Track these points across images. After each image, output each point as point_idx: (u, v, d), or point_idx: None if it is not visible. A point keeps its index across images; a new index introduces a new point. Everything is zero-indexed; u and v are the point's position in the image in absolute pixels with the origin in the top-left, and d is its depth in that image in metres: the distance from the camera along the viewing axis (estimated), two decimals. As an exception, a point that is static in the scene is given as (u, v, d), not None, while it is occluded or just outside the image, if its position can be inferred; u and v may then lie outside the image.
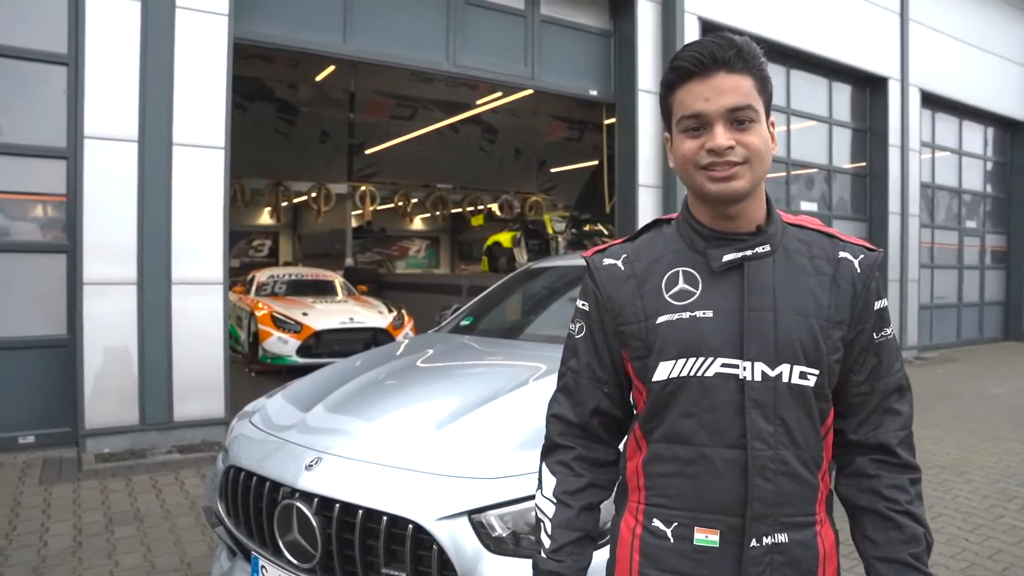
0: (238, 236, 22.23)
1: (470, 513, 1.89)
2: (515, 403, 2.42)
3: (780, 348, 1.12)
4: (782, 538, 1.13)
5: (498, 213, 21.34)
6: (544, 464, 1.33)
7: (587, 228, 13.50)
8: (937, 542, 3.77)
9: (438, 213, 23.03)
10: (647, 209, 8.20)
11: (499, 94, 12.49)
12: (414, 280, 18.32)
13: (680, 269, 1.20)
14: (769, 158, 1.15)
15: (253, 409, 2.83)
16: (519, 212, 20.71)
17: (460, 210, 22.99)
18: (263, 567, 2.18)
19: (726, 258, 1.16)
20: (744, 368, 1.13)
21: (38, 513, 4.04)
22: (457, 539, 1.87)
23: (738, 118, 1.11)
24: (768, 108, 1.16)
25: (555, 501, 1.28)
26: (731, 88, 1.10)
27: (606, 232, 11.93)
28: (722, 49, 1.10)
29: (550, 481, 1.30)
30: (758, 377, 1.12)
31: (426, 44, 7.14)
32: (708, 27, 8.54)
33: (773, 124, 1.19)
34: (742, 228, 1.17)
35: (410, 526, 1.89)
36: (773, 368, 1.12)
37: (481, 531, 1.88)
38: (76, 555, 3.49)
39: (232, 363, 6.31)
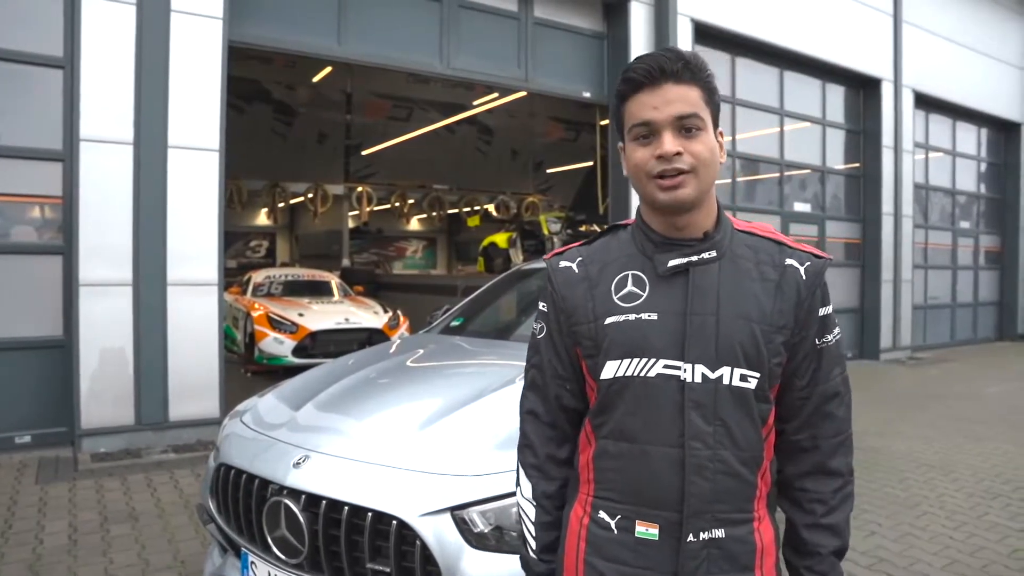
0: (235, 237, 22.30)
1: (452, 509, 1.94)
2: (499, 402, 2.46)
3: (721, 351, 1.17)
4: (719, 533, 1.18)
5: (495, 214, 21.41)
6: (520, 466, 1.40)
7: (583, 228, 13.57)
8: (921, 539, 3.83)
9: (435, 214, 23.10)
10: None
11: (495, 95, 12.54)
12: (410, 281, 18.38)
13: (630, 273, 1.25)
14: (716, 167, 1.21)
15: (244, 408, 2.88)
16: (515, 213, 20.78)
17: (457, 211, 23.06)
18: (252, 563, 2.23)
19: (671, 263, 1.21)
20: (685, 370, 1.17)
21: (34, 512, 4.09)
22: (440, 535, 1.92)
23: (685, 126, 1.16)
24: (716, 118, 1.22)
25: (534, 504, 1.37)
26: (678, 98, 1.16)
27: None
28: (670, 62, 1.16)
29: (527, 485, 1.38)
30: (698, 379, 1.17)
31: (420, 46, 7.19)
32: (701, 29, 8.60)
33: (722, 134, 1.24)
34: (690, 235, 1.23)
35: (394, 522, 1.94)
36: (714, 370, 1.17)
37: (463, 527, 1.93)
38: (71, 553, 3.53)
39: (228, 363, 6.35)
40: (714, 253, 1.21)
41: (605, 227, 1.40)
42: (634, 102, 1.19)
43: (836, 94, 11.23)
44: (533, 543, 1.37)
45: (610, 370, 1.22)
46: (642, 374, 1.19)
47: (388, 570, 1.95)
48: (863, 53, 10.78)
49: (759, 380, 1.19)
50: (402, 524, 1.93)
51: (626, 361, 1.20)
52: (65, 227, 5.39)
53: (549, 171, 20.46)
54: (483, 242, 16.53)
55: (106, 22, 5.28)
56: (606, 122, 8.73)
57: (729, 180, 9.77)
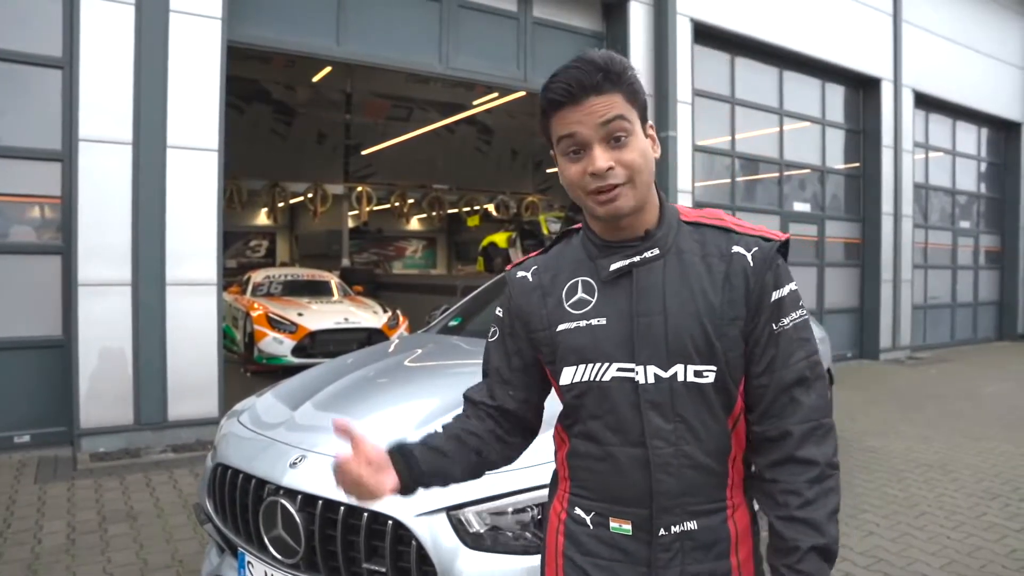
0: (235, 237, 22.32)
1: (448, 509, 1.95)
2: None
3: (671, 350, 1.16)
4: (691, 525, 1.19)
5: (494, 213, 21.42)
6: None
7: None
8: (919, 539, 3.83)
9: (435, 213, 23.10)
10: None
11: (495, 95, 12.56)
12: (410, 280, 18.38)
13: (579, 279, 1.26)
14: (651, 168, 1.19)
15: (242, 408, 2.88)
16: (515, 212, 20.78)
17: (456, 210, 23.06)
18: (249, 563, 2.23)
19: (612, 267, 1.21)
20: (638, 371, 1.18)
21: (33, 511, 4.09)
22: (435, 535, 1.92)
23: (613, 134, 1.14)
24: (643, 115, 1.19)
25: (435, 430, 1.34)
26: (602, 108, 1.14)
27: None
28: (588, 75, 1.13)
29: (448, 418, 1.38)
30: (651, 379, 1.17)
31: (419, 46, 7.19)
32: (700, 29, 8.60)
33: (652, 127, 1.22)
34: (631, 235, 1.22)
35: (390, 522, 1.94)
36: (666, 369, 1.17)
37: (459, 527, 1.93)
38: (69, 553, 3.53)
39: (228, 363, 6.36)
40: (656, 251, 1.20)
41: (559, 234, 1.39)
42: (558, 118, 1.17)
43: (836, 94, 11.23)
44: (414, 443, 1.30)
45: (567, 376, 1.24)
46: (598, 379, 1.20)
47: (384, 570, 1.95)
48: (863, 53, 10.78)
49: (716, 373, 1.18)
50: (398, 524, 1.94)
51: (581, 367, 1.22)
52: (64, 227, 5.40)
53: (549, 171, 20.43)
54: (483, 242, 16.54)
55: (105, 22, 5.29)
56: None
57: (729, 180, 9.78)
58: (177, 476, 4.82)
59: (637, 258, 1.20)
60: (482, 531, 1.94)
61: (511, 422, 1.36)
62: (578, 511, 1.27)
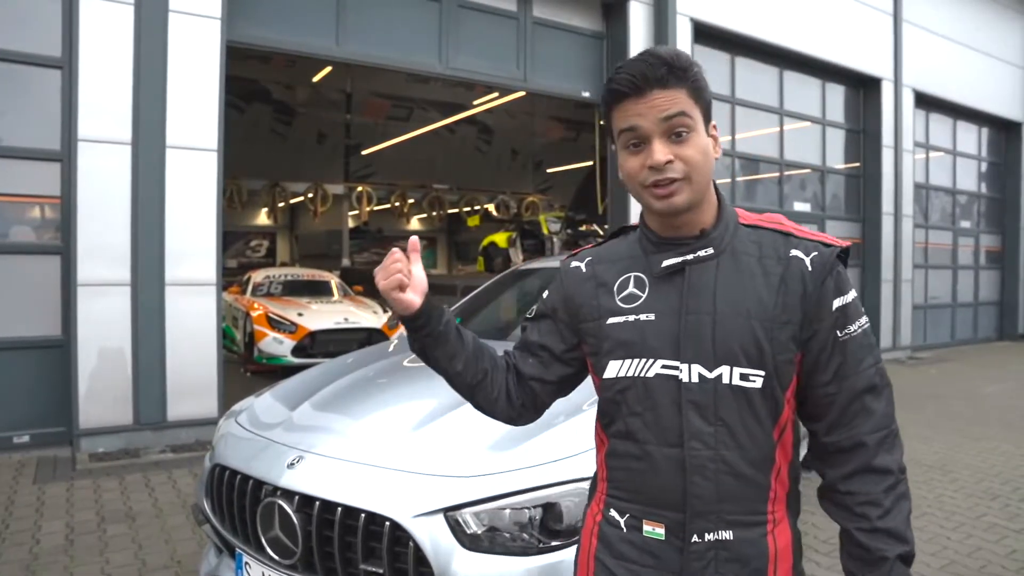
0: (235, 237, 22.29)
1: (446, 511, 1.94)
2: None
3: (718, 350, 1.15)
4: (726, 535, 1.16)
5: (495, 213, 21.40)
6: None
7: (583, 228, 13.56)
8: (919, 540, 3.81)
9: (435, 213, 23.07)
10: (639, 210, 8.22)
11: (495, 95, 12.54)
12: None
13: (632, 274, 1.26)
14: (710, 166, 1.19)
15: (240, 408, 2.88)
16: (515, 212, 20.77)
17: (457, 210, 23.04)
18: (247, 563, 2.23)
19: (665, 263, 1.21)
20: (682, 370, 1.17)
21: (31, 512, 4.09)
22: (433, 536, 1.91)
23: (675, 130, 1.14)
24: (707, 114, 1.19)
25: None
26: (665, 103, 1.14)
27: (601, 232, 11.97)
28: (653, 68, 1.13)
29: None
30: (695, 379, 1.16)
31: (419, 46, 7.18)
32: (700, 29, 8.59)
33: (715, 127, 1.21)
34: (687, 233, 1.22)
35: (387, 523, 1.94)
36: (711, 370, 1.16)
37: (456, 528, 1.93)
38: (68, 553, 3.53)
39: (228, 363, 6.36)
40: (711, 251, 1.20)
41: (617, 228, 1.41)
42: (620, 110, 1.17)
43: (836, 93, 11.22)
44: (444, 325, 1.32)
45: (612, 370, 1.24)
46: (641, 374, 1.20)
47: (381, 571, 1.95)
48: (863, 52, 10.77)
49: (764, 379, 1.16)
50: (395, 525, 1.93)
51: (627, 362, 1.21)
52: (63, 227, 5.40)
53: (549, 171, 20.46)
54: (483, 242, 16.52)
55: (104, 22, 5.28)
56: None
57: (729, 180, 9.77)
58: (176, 476, 4.82)
59: (691, 256, 1.20)
60: (479, 532, 1.93)
61: (521, 386, 1.38)
62: (613, 513, 1.26)
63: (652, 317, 1.20)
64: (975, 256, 13.97)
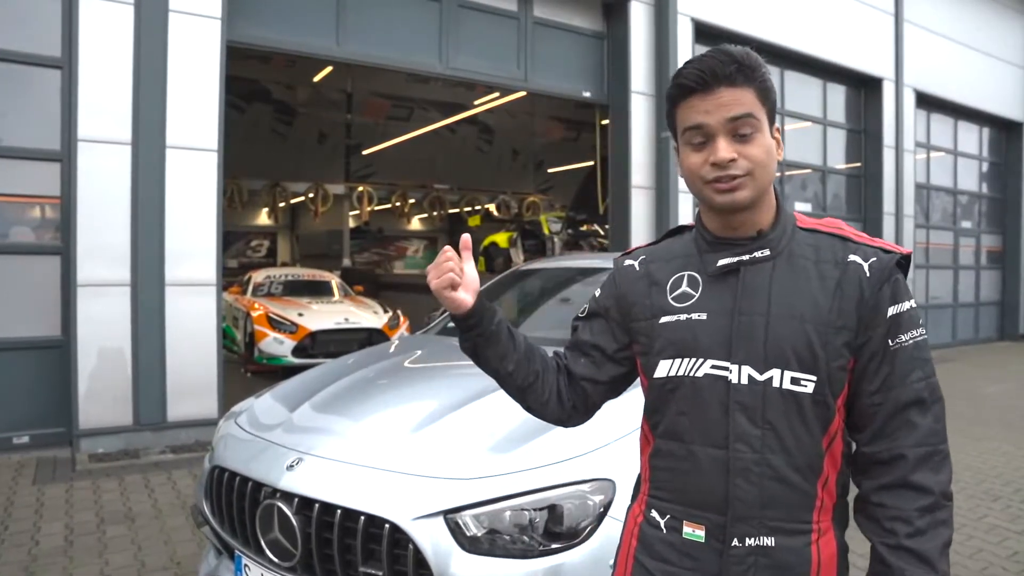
0: (236, 237, 22.30)
1: (445, 513, 1.93)
2: (494, 405, 2.45)
3: (770, 353, 1.14)
4: (768, 541, 1.14)
5: (495, 213, 21.39)
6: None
7: (583, 228, 13.55)
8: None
9: (435, 213, 23.09)
10: (640, 210, 8.24)
11: (496, 95, 12.54)
12: (411, 280, 18.33)
13: (685, 273, 1.25)
14: (773, 166, 1.18)
15: (240, 410, 2.87)
16: (516, 212, 20.76)
17: (457, 210, 23.04)
18: (246, 565, 2.22)
19: (720, 263, 1.20)
20: (732, 371, 1.15)
21: (31, 513, 4.08)
22: (433, 538, 1.90)
23: (740, 130, 1.13)
24: (772, 116, 1.18)
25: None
26: (732, 101, 1.13)
27: (602, 233, 11.97)
28: (722, 65, 1.12)
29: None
30: (744, 380, 1.15)
31: (419, 46, 7.17)
32: (701, 29, 8.58)
33: (779, 130, 1.20)
34: (744, 233, 1.20)
35: (387, 526, 1.93)
36: (762, 372, 1.14)
37: (456, 531, 1.92)
38: (67, 554, 3.52)
39: (228, 363, 6.35)
40: (767, 252, 1.18)
41: (673, 228, 1.40)
42: (686, 106, 1.16)
43: (837, 94, 11.21)
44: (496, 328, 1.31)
45: (663, 369, 1.23)
46: (691, 374, 1.19)
47: (381, 573, 1.94)
48: (864, 53, 10.76)
49: (816, 384, 1.13)
50: (395, 528, 1.92)
51: (677, 361, 1.21)
52: (63, 227, 5.39)
53: (550, 171, 20.45)
54: (484, 242, 16.51)
55: (104, 22, 5.28)
56: (606, 122, 8.71)
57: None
58: (176, 477, 4.81)
59: (746, 256, 1.18)
60: (479, 534, 1.92)
61: (572, 387, 1.37)
62: (654, 513, 1.25)
63: (704, 317, 1.19)
64: (976, 256, 13.96)
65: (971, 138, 13.62)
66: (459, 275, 1.25)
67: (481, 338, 1.30)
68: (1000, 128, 13.96)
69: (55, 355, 5.39)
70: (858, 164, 11.56)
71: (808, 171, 10.97)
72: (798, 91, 10.53)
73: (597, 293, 1.39)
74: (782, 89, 10.32)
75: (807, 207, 10.92)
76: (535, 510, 1.95)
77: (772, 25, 9.43)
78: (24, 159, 5.31)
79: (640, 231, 8.22)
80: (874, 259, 1.16)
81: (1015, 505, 4.40)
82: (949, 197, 13.39)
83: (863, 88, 11.35)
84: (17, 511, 4.11)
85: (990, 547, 3.74)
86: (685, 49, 8.32)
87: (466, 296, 1.26)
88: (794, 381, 1.13)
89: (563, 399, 1.36)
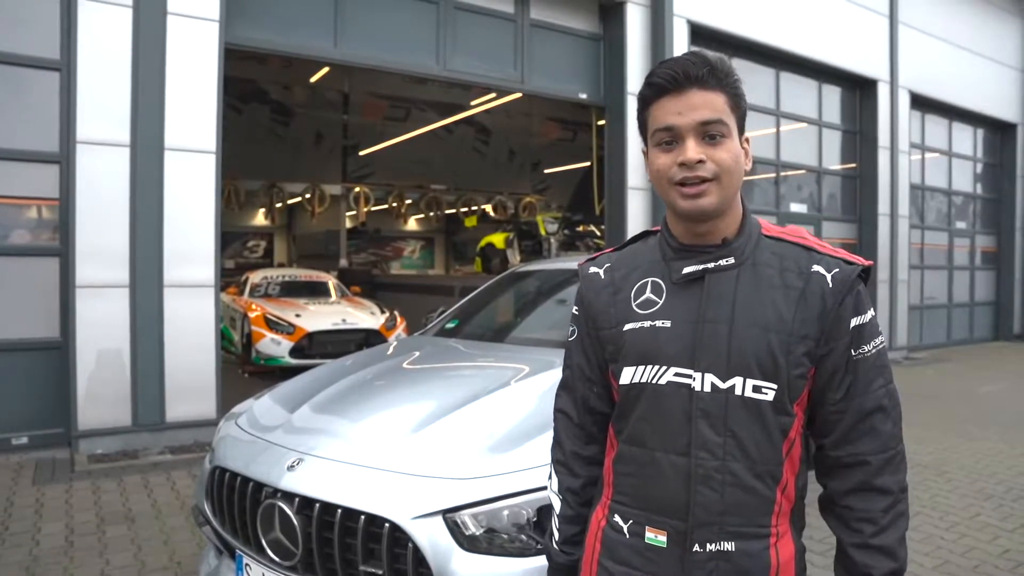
0: (233, 237, 22.28)
1: (444, 512, 1.96)
2: (492, 405, 2.49)
3: (733, 361, 1.15)
4: (728, 546, 1.16)
5: (492, 214, 21.42)
6: (551, 461, 1.44)
7: (580, 229, 13.59)
8: (912, 540, 3.84)
9: (432, 214, 23.12)
10: (636, 211, 8.28)
11: (493, 95, 12.53)
12: (408, 281, 18.37)
13: (649, 279, 1.26)
14: (740, 174, 1.20)
15: (240, 410, 2.90)
16: (513, 213, 20.79)
17: (454, 211, 23.05)
18: (247, 565, 2.25)
19: (685, 270, 1.21)
20: (695, 378, 1.17)
21: (30, 513, 4.10)
22: (432, 537, 1.93)
23: (709, 132, 1.15)
24: (742, 125, 1.20)
25: (560, 498, 1.39)
26: (703, 103, 1.14)
27: (599, 233, 12.00)
28: (695, 67, 1.14)
29: (555, 480, 1.42)
30: (707, 388, 1.16)
31: (416, 48, 7.20)
32: (697, 31, 8.62)
33: (748, 141, 1.22)
34: (709, 241, 1.22)
35: (387, 525, 1.95)
36: (724, 380, 1.16)
37: (455, 529, 1.95)
38: (67, 554, 3.54)
39: (226, 364, 6.37)
40: (732, 260, 1.19)
41: (639, 233, 1.41)
42: (657, 107, 1.18)
43: (832, 95, 11.26)
44: (556, 535, 1.40)
45: (627, 376, 1.24)
46: (654, 381, 1.20)
47: (381, 572, 1.96)
48: (859, 54, 10.81)
49: (776, 392, 1.16)
50: (394, 527, 1.95)
51: (640, 368, 1.22)
52: (62, 229, 5.41)
53: (547, 171, 20.45)
54: (480, 242, 16.54)
55: (102, 24, 5.29)
56: (603, 123, 8.74)
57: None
58: (175, 477, 4.83)
59: (711, 264, 1.19)
60: (478, 533, 1.95)
61: (600, 424, 1.36)
62: (617, 518, 1.26)
63: (668, 324, 1.20)
64: (971, 257, 14.02)
65: (966, 139, 13.68)
66: None
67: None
68: (995, 129, 14.03)
69: (54, 356, 5.41)
70: (853, 165, 11.61)
71: (803, 172, 11.01)
72: (793, 92, 10.57)
73: (576, 310, 1.39)
74: (777, 90, 10.38)
75: (802, 208, 10.96)
76: (532, 509, 1.98)
77: (768, 27, 9.47)
78: (23, 161, 5.33)
79: (636, 231, 8.22)
80: (837, 270, 1.18)
81: (1007, 504, 4.45)
82: (944, 198, 13.45)
83: (858, 89, 11.40)
84: (17, 512, 4.12)
85: (982, 545, 3.78)
86: (681, 50, 8.34)
87: None
88: (755, 389, 1.15)
89: (599, 451, 1.38)
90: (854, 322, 1.18)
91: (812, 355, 1.17)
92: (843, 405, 1.19)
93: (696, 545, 1.17)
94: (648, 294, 1.24)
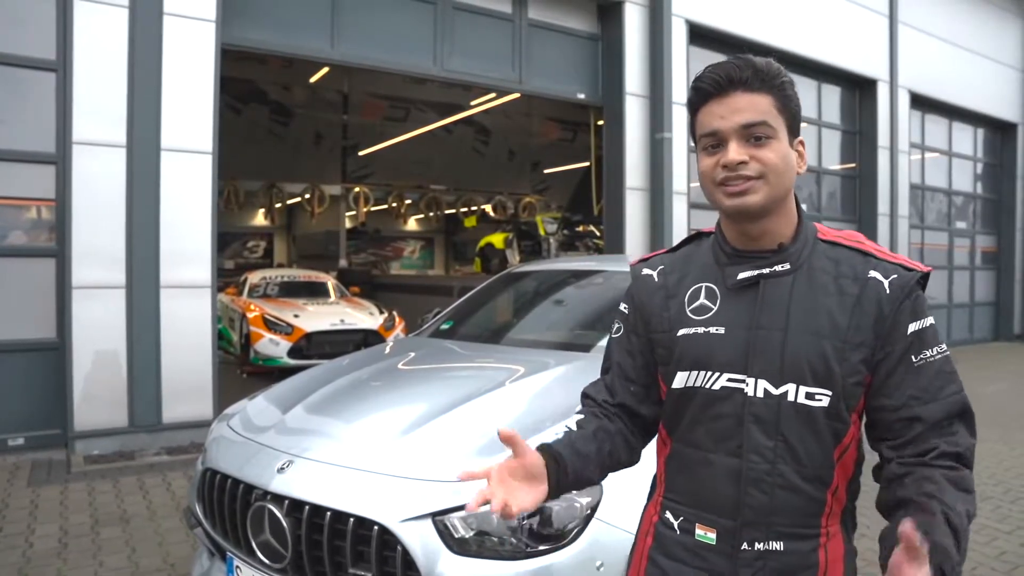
0: (232, 238, 22.29)
1: (433, 515, 1.95)
2: (483, 407, 2.48)
3: (786, 367, 1.14)
4: (776, 546, 1.17)
5: (492, 214, 21.42)
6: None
7: (579, 229, 13.56)
8: (910, 541, 3.83)
9: (432, 214, 23.12)
10: (635, 212, 8.26)
11: (492, 96, 12.53)
12: (407, 281, 18.36)
13: (703, 285, 1.25)
14: (791, 175, 1.17)
15: (233, 412, 2.89)
16: (512, 213, 20.78)
17: (454, 211, 23.05)
18: (237, 567, 2.24)
19: (740, 276, 1.20)
20: (748, 383, 1.17)
21: (25, 515, 4.09)
22: (421, 540, 1.92)
23: (754, 135, 1.14)
24: (792, 126, 1.17)
25: (575, 426, 1.31)
26: (747, 106, 1.13)
27: (598, 234, 11.97)
28: (739, 70, 1.14)
29: (573, 419, 1.34)
30: (760, 394, 1.16)
31: (414, 49, 7.19)
32: (696, 31, 8.61)
33: (802, 144, 1.20)
34: (764, 246, 1.20)
35: (375, 527, 1.95)
36: (777, 386, 1.15)
37: (444, 532, 1.93)
38: (61, 556, 3.54)
39: (224, 364, 6.36)
40: (787, 266, 1.18)
41: (691, 234, 1.38)
42: (704, 112, 1.18)
43: (832, 95, 11.24)
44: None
45: (680, 380, 1.24)
46: (707, 386, 1.20)
47: (370, 575, 1.95)
48: (859, 54, 10.80)
49: (831, 399, 1.14)
50: (383, 530, 1.94)
51: (694, 373, 1.22)
52: (58, 229, 5.40)
53: (546, 171, 20.44)
54: (480, 243, 16.53)
55: (98, 25, 5.29)
56: (602, 123, 8.73)
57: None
58: (171, 479, 4.83)
59: (767, 270, 1.18)
60: (468, 536, 1.94)
61: (635, 422, 1.35)
62: (668, 515, 1.28)
63: (722, 331, 1.20)
64: (971, 257, 14.00)
65: (966, 139, 13.66)
66: (527, 494, 1.15)
67: (562, 493, 1.24)
68: (995, 129, 14.01)
69: (50, 357, 5.40)
70: (853, 165, 11.59)
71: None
72: (793, 92, 10.54)
73: (623, 308, 1.38)
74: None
75: (803, 208, 10.92)
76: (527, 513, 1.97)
77: (767, 26, 9.45)
78: (19, 162, 5.32)
79: (635, 232, 8.24)
80: (894, 276, 1.16)
81: (1005, 506, 4.43)
82: (944, 198, 13.43)
83: (858, 89, 11.38)
84: (12, 513, 4.12)
85: (979, 547, 3.77)
86: (679, 51, 8.35)
87: (539, 494, 1.17)
88: (809, 396, 1.14)
89: (632, 445, 1.35)
90: (912, 327, 1.15)
91: (868, 362, 1.15)
92: (906, 412, 1.13)
93: (745, 543, 1.18)
94: (702, 299, 1.24)
